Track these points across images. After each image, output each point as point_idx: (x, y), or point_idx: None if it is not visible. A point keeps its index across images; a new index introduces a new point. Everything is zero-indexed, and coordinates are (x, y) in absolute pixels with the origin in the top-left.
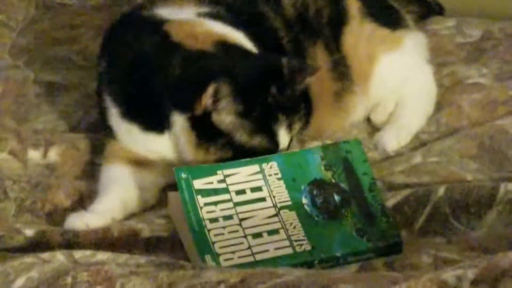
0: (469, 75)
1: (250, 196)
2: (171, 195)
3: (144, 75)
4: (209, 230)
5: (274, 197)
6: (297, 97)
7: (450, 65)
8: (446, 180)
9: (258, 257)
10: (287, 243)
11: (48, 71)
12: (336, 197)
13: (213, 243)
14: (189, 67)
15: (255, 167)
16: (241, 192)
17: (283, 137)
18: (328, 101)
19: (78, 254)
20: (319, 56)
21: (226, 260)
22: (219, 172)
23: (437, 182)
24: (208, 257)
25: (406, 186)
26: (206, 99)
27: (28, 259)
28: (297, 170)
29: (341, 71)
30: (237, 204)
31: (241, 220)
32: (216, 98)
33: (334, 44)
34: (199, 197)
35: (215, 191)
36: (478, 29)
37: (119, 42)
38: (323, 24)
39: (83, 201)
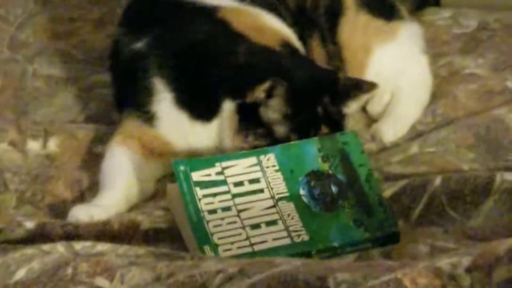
0: (465, 66)
1: (248, 187)
2: (170, 187)
3: (201, 62)
4: (207, 221)
5: (272, 188)
6: (345, 115)
7: (447, 55)
8: (442, 170)
9: (257, 247)
10: (285, 233)
11: (47, 65)
12: (334, 188)
13: (212, 234)
14: (255, 59)
15: (252, 159)
16: (239, 183)
17: None
18: None
19: (78, 245)
20: (315, 49)
21: (225, 250)
22: (217, 164)
23: (433, 172)
24: (207, 248)
25: (403, 176)
26: (260, 91)
27: (29, 250)
28: (295, 161)
29: (336, 64)
30: (235, 195)
31: (239, 211)
32: (269, 94)
33: (329, 36)
34: (197, 188)
35: (213, 183)
36: (474, 19)
37: (167, 25)
38: (320, 15)
39: (82, 192)
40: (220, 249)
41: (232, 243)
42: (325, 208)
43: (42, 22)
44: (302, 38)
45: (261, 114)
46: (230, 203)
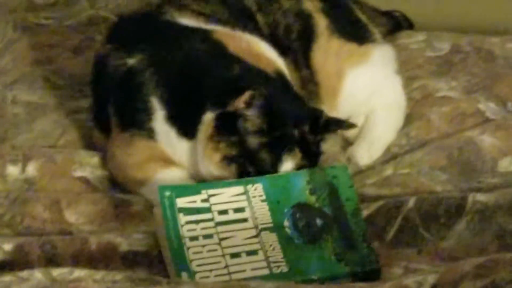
0: (438, 88)
1: (232, 216)
2: (157, 211)
3: (195, 80)
4: (188, 248)
5: (256, 218)
6: (319, 148)
7: (420, 78)
8: (416, 191)
9: (234, 276)
10: (264, 264)
11: (26, 91)
12: (318, 221)
13: (191, 260)
14: (245, 75)
15: (239, 188)
16: (223, 212)
17: (285, 168)
18: None
19: (56, 271)
20: (289, 74)
21: (201, 278)
22: (203, 191)
23: (407, 194)
24: (184, 274)
25: (378, 197)
26: (240, 101)
27: (7, 277)
28: (282, 193)
29: (310, 89)
30: (218, 223)
31: (221, 239)
32: (249, 104)
33: (303, 61)
34: (181, 215)
35: (198, 210)
36: (447, 42)
37: (163, 42)
38: (292, 40)
39: (62, 212)
40: (197, 276)
41: (211, 270)
42: (307, 240)
43: (21, 49)
44: None
45: (237, 124)
46: (213, 231)
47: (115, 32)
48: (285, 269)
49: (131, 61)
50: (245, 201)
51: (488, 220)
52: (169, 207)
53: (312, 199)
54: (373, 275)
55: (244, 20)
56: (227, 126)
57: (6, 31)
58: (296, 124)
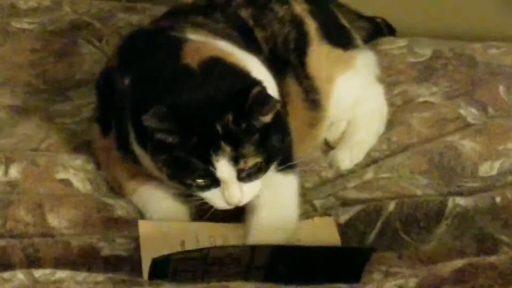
0: (419, 94)
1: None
2: (141, 222)
3: (145, 99)
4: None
5: None
6: (257, 130)
7: (402, 84)
8: (396, 195)
9: None
10: None
11: (9, 95)
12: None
13: None
14: (162, 89)
15: None
16: None
17: (223, 167)
18: (304, 131)
19: (38, 272)
20: (291, 88)
21: None
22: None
23: (388, 198)
24: None
25: (359, 201)
26: (148, 121)
27: None
28: None
29: (313, 98)
30: None
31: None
32: (158, 120)
33: (301, 72)
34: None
35: None
36: (428, 48)
37: (149, 64)
38: (290, 52)
39: (44, 216)
40: None
41: None
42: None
43: (4, 53)
44: (278, 78)
45: (160, 140)
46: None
47: (124, 46)
48: None
49: (126, 82)
50: None
51: (468, 223)
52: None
53: None
54: None
55: (246, 37)
56: (157, 146)
57: None
58: (216, 119)
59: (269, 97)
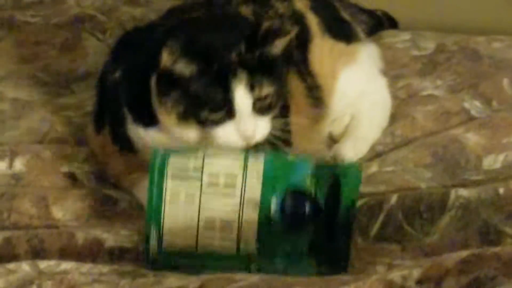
0: (423, 87)
1: (221, 187)
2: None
3: (142, 64)
4: (165, 209)
5: (245, 192)
6: (270, 60)
7: (405, 77)
8: (400, 189)
9: (200, 249)
10: (234, 240)
11: (13, 88)
12: (307, 210)
13: (164, 223)
14: (169, 30)
15: (239, 160)
16: (213, 182)
17: (241, 93)
18: (307, 126)
19: (43, 264)
20: (294, 85)
21: (168, 244)
22: (199, 155)
23: (392, 191)
24: (153, 233)
25: (362, 195)
26: (165, 56)
27: None
28: (281, 173)
29: (316, 96)
30: (204, 192)
31: (201, 208)
32: (173, 56)
33: (305, 69)
34: (169, 177)
35: (188, 174)
36: (432, 42)
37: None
38: (293, 48)
39: (49, 208)
40: (164, 240)
41: (179, 237)
42: (288, 225)
43: (8, 46)
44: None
45: (174, 77)
46: (196, 198)
47: (115, 45)
48: (252, 251)
49: (116, 75)
50: (240, 174)
51: (472, 215)
52: (159, 168)
53: (311, 187)
54: (339, 271)
55: None
56: (168, 86)
57: None
58: (229, 48)
59: (281, 27)
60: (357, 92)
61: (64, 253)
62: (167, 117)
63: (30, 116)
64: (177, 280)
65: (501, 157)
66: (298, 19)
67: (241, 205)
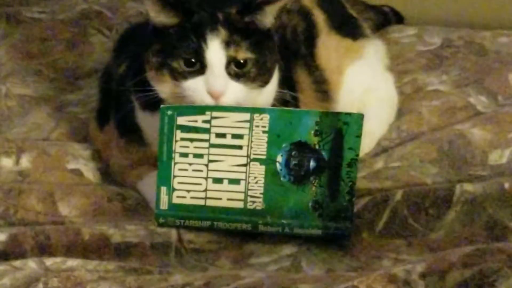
0: (429, 82)
1: (229, 141)
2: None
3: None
4: (175, 163)
5: (251, 147)
6: (260, 31)
7: (411, 72)
8: (406, 184)
9: (209, 202)
10: (242, 196)
11: (20, 85)
12: (312, 163)
13: (174, 176)
14: None
15: (245, 115)
16: (221, 135)
17: (215, 47)
18: None
19: (49, 261)
20: (302, 79)
21: (178, 197)
22: (207, 113)
23: (398, 187)
24: (163, 189)
25: (369, 191)
26: (148, 8)
27: (1, 266)
28: (286, 127)
29: (323, 89)
30: (212, 145)
31: (210, 161)
32: (157, 7)
33: (312, 63)
34: (178, 131)
35: (196, 129)
36: (438, 37)
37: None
38: (300, 43)
39: (55, 204)
40: (175, 194)
41: (189, 191)
42: (293, 180)
43: (15, 42)
44: (288, 70)
45: (158, 30)
46: (205, 151)
47: (118, 40)
48: (259, 206)
49: (123, 68)
50: (246, 129)
51: (477, 210)
52: (168, 124)
53: (314, 140)
54: (344, 232)
55: None
56: (153, 39)
57: None
58: (219, 8)
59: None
60: (364, 88)
61: (71, 249)
62: (148, 71)
63: (36, 112)
64: (182, 277)
65: (507, 152)
66: (305, 15)
67: (248, 162)
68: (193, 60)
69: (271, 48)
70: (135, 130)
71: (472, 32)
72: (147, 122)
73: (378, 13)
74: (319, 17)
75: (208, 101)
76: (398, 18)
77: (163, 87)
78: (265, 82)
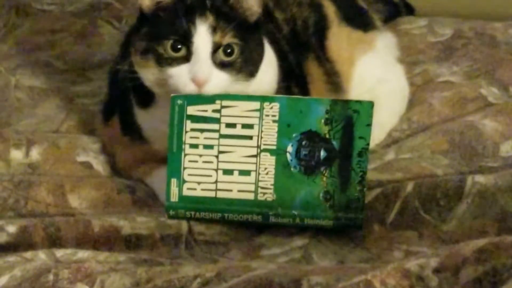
0: (440, 73)
1: (239, 131)
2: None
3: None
4: (186, 155)
5: (261, 138)
6: (241, 18)
7: (422, 63)
8: (417, 176)
9: (220, 194)
10: (252, 188)
11: (29, 76)
12: (322, 153)
13: (185, 168)
14: None
15: (255, 104)
16: (231, 125)
17: (201, 32)
18: None
19: (60, 252)
20: (313, 70)
21: (188, 189)
22: (217, 101)
23: (409, 178)
24: (174, 181)
25: (379, 182)
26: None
27: (11, 258)
28: (296, 116)
29: (334, 81)
30: (222, 136)
31: (220, 152)
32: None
33: (322, 55)
34: (188, 121)
35: (206, 119)
36: (449, 28)
37: None
38: (310, 35)
39: (65, 196)
40: (185, 186)
41: (199, 183)
42: (304, 170)
43: (24, 34)
44: (299, 62)
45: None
46: (215, 142)
47: (129, 33)
48: (270, 197)
49: (125, 66)
50: (256, 118)
51: (489, 202)
52: (178, 114)
53: (325, 129)
54: (355, 223)
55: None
56: (140, 25)
57: (9, 16)
58: None
59: None
60: (375, 79)
61: (81, 241)
62: (133, 55)
63: (46, 104)
64: (193, 268)
65: None
66: (315, 7)
67: (258, 153)
68: (179, 45)
69: (258, 40)
70: (136, 128)
71: (483, 23)
72: (144, 119)
73: (389, 4)
74: (330, 9)
75: (191, 88)
76: (408, 9)
77: (147, 73)
78: (250, 75)
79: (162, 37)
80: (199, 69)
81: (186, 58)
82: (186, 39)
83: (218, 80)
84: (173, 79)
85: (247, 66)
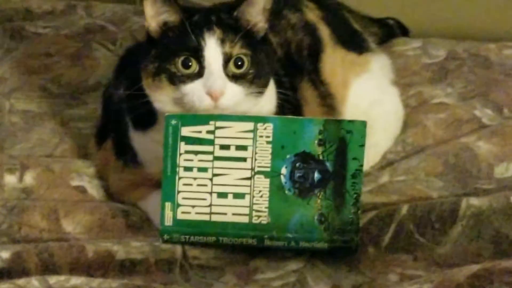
0: (434, 95)
1: (233, 153)
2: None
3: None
4: (180, 178)
5: (255, 159)
6: (253, 35)
7: (416, 85)
8: (412, 198)
9: (214, 217)
10: (246, 211)
11: (23, 100)
12: (316, 176)
13: (179, 192)
14: None
15: (249, 125)
16: (225, 147)
17: (212, 45)
18: None
19: (53, 279)
20: (307, 93)
21: (183, 213)
22: (211, 122)
23: (403, 201)
24: (168, 205)
25: (374, 205)
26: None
27: (4, 285)
28: (290, 138)
29: (329, 103)
30: (216, 158)
31: (214, 175)
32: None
33: (317, 78)
34: (182, 143)
35: (200, 141)
36: (443, 49)
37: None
38: (305, 58)
39: (59, 221)
40: (179, 210)
41: (193, 206)
42: (298, 193)
43: (19, 58)
44: (293, 85)
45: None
46: (209, 164)
47: (122, 58)
48: (264, 220)
49: (119, 91)
50: (250, 140)
51: (484, 224)
52: (172, 135)
53: (318, 150)
54: (350, 245)
55: None
56: (149, 48)
57: (3, 40)
58: (212, 12)
59: None
60: (369, 101)
61: (75, 267)
62: (145, 79)
63: (41, 128)
64: None
65: None
66: (310, 29)
67: (252, 175)
68: (190, 61)
69: (267, 52)
70: (130, 152)
71: (477, 45)
72: (140, 142)
73: (383, 26)
74: (324, 32)
75: (208, 102)
76: (403, 31)
77: (160, 94)
78: (262, 86)
79: (173, 56)
80: (214, 82)
81: (199, 74)
82: (197, 54)
83: (233, 93)
84: (188, 96)
85: (259, 78)
